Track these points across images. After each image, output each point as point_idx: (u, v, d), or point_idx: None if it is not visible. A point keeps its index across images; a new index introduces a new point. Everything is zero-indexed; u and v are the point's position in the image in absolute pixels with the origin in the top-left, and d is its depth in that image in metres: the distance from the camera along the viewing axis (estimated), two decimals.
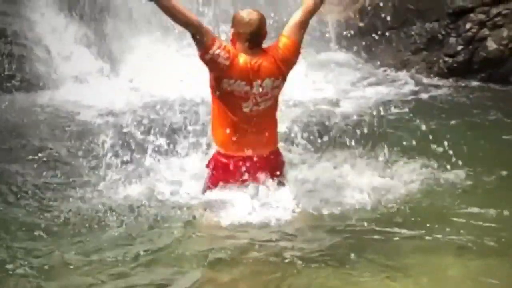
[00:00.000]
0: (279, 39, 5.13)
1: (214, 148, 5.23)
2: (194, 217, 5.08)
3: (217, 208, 5.08)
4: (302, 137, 5.96)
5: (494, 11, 8.86)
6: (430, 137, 6.21)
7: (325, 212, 5.10)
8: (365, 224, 4.95)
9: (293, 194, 5.17)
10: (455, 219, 5.08)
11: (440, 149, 5.98)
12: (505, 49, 8.85)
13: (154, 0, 4.87)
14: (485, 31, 8.90)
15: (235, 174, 5.13)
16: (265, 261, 4.55)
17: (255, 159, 5.12)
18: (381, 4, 9.53)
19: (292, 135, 6.04)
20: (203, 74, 5.15)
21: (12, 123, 7.39)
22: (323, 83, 8.69)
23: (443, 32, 9.11)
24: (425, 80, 9.03)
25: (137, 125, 6.34)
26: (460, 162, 5.83)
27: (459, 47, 9.00)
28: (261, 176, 5.13)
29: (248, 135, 5.11)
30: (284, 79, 5.14)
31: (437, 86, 8.82)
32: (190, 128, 6.18)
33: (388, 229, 4.90)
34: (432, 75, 9.13)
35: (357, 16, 9.83)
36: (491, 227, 4.96)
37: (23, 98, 8.16)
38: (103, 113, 7.58)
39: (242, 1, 8.90)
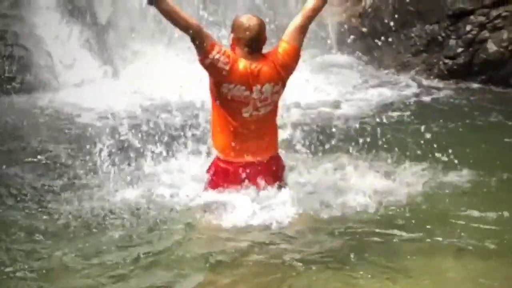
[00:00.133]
0: (278, 44, 5.13)
1: (214, 154, 5.23)
2: (194, 220, 5.07)
3: (217, 211, 5.08)
4: (303, 140, 5.96)
5: (494, 13, 8.87)
6: (431, 139, 6.21)
7: (326, 214, 5.10)
8: (366, 226, 4.95)
9: (294, 197, 5.16)
10: (456, 221, 5.07)
11: (442, 152, 5.98)
12: (505, 51, 8.85)
13: (154, 3, 4.86)
14: (485, 33, 8.91)
15: (235, 180, 5.13)
16: (265, 263, 4.55)
17: (255, 165, 5.13)
18: (382, 7, 9.54)
19: (293, 137, 6.03)
20: (203, 78, 5.15)
21: (12, 125, 7.39)
22: (324, 86, 8.70)
23: (443, 34, 9.11)
24: (425, 82, 9.03)
25: (137, 128, 6.33)
26: (461, 165, 5.84)
27: (459, 49, 9.00)
28: (261, 182, 5.13)
29: (248, 141, 5.11)
30: (283, 85, 5.14)
31: (437, 88, 8.82)
32: (189, 134, 6.19)
33: (389, 232, 4.90)
34: (432, 77, 9.13)
35: (358, 19, 9.83)
36: (491, 229, 4.96)
37: (23, 100, 8.16)
38: (103, 116, 7.57)
39: (243, 6, 8.97)
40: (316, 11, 5.15)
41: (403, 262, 4.53)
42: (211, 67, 4.99)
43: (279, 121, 5.37)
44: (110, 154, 5.88)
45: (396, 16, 9.35)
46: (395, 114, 7.71)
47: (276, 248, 4.73)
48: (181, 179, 5.55)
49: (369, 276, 4.35)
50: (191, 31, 4.95)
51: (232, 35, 5.09)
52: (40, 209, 5.28)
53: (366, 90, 8.68)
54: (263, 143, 5.15)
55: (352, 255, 4.55)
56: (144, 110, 7.69)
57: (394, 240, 4.80)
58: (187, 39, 5.01)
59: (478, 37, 8.92)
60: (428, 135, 6.33)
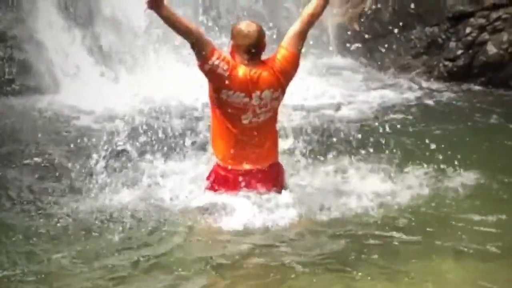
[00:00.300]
0: (278, 50, 5.13)
1: (214, 161, 5.23)
2: (194, 222, 5.07)
3: (217, 213, 5.08)
4: (304, 142, 5.96)
5: (494, 15, 8.86)
6: (433, 142, 6.21)
7: (327, 217, 5.10)
8: (367, 229, 4.95)
9: (294, 199, 5.16)
10: (456, 223, 5.07)
11: (443, 155, 5.98)
12: (505, 53, 8.84)
13: (154, 9, 4.87)
14: (485, 36, 8.90)
15: (234, 188, 5.14)
16: (266, 265, 4.54)
17: (255, 172, 5.13)
18: (382, 9, 9.53)
19: (295, 140, 6.04)
20: (204, 84, 5.15)
21: (11, 127, 7.38)
22: (324, 88, 8.69)
23: (443, 36, 9.11)
24: (425, 84, 9.02)
25: (136, 131, 6.32)
26: (462, 168, 5.84)
27: (459, 51, 9.00)
28: (262, 189, 5.14)
29: (248, 148, 5.11)
30: (283, 91, 5.14)
31: (438, 91, 8.81)
32: (189, 137, 6.20)
33: (389, 234, 4.89)
34: (432, 79, 9.12)
35: (358, 21, 9.83)
36: (492, 232, 4.96)
37: (22, 102, 8.15)
38: (102, 119, 7.57)
39: (244, 12, 8.97)
40: (315, 16, 5.14)
41: (404, 264, 4.52)
42: (211, 73, 5.00)
43: (280, 123, 5.36)
44: (109, 157, 5.87)
45: (396, 18, 9.35)
46: (396, 116, 7.71)
47: (277, 250, 4.72)
48: (181, 182, 5.55)
49: (370, 278, 4.35)
50: (191, 37, 4.95)
51: (231, 42, 5.10)
52: (39, 212, 5.27)
53: (367, 93, 8.67)
54: (263, 150, 5.16)
55: (352, 258, 4.55)
56: (144, 113, 7.66)
57: (395, 243, 4.79)
58: (187, 45, 5.01)
59: (478, 39, 8.92)
60: (429, 138, 6.33)
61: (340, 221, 5.06)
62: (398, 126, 7.17)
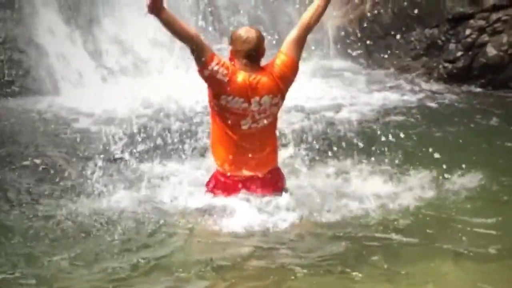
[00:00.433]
0: (277, 55, 5.13)
1: (214, 167, 5.23)
2: (194, 224, 5.06)
3: (217, 215, 5.07)
4: (305, 144, 5.96)
5: (494, 17, 8.86)
6: (433, 144, 6.23)
7: (327, 219, 5.09)
8: (367, 230, 4.94)
9: (295, 201, 5.16)
10: (457, 225, 5.07)
11: (443, 156, 5.99)
12: (504, 55, 8.84)
13: (154, 13, 4.87)
14: (485, 37, 8.90)
15: (234, 194, 5.14)
16: (266, 267, 4.54)
17: (254, 179, 5.14)
18: (381, 10, 9.54)
19: (296, 142, 6.04)
20: (204, 89, 5.16)
21: (11, 129, 7.38)
22: (324, 90, 8.69)
23: (443, 38, 9.11)
24: (425, 86, 9.02)
25: (136, 133, 6.33)
26: (463, 170, 5.85)
27: (459, 53, 9.00)
28: (261, 195, 5.14)
29: (247, 154, 5.11)
30: (282, 97, 5.14)
31: (437, 92, 8.82)
32: (189, 139, 6.19)
33: (390, 236, 4.89)
34: (432, 81, 9.13)
35: (357, 22, 9.83)
36: (492, 233, 4.96)
37: (22, 104, 8.16)
38: (102, 121, 7.56)
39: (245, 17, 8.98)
40: (313, 22, 5.13)
41: (404, 266, 4.52)
42: (210, 79, 5.00)
43: (281, 130, 5.36)
44: (108, 160, 5.87)
45: (396, 20, 9.36)
46: (397, 118, 7.72)
47: (277, 252, 4.72)
48: (180, 184, 5.55)
49: (370, 280, 4.36)
50: (190, 42, 4.96)
51: (230, 47, 5.10)
52: (38, 214, 5.26)
53: (367, 94, 8.67)
54: (263, 156, 5.16)
55: (352, 259, 4.55)
56: (143, 115, 7.69)
57: (395, 245, 4.79)
58: (187, 49, 5.02)
59: (478, 41, 8.92)
60: (430, 140, 6.36)
61: (340, 223, 5.05)
62: (399, 128, 7.18)
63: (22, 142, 6.91)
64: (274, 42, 6.79)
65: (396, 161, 5.99)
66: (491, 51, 8.87)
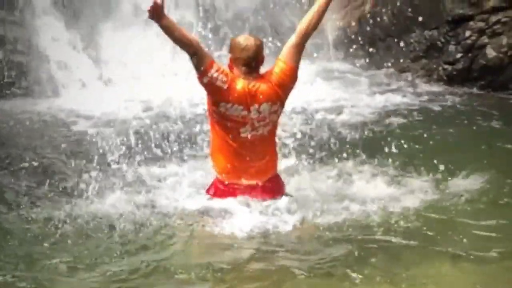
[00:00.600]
0: (276, 63, 5.13)
1: (213, 174, 5.23)
2: (194, 227, 5.05)
3: (218, 218, 5.07)
4: (307, 146, 5.96)
5: (494, 19, 8.86)
6: (434, 146, 6.24)
7: (328, 221, 5.09)
8: (368, 233, 4.94)
9: (296, 204, 5.16)
10: (458, 227, 5.07)
11: (444, 158, 5.99)
12: (504, 56, 8.84)
13: (155, 19, 4.89)
14: (485, 39, 8.90)
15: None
16: (267, 270, 4.53)
17: (254, 187, 5.14)
18: (381, 12, 9.54)
19: (297, 144, 6.04)
20: (203, 94, 5.16)
21: (10, 131, 7.38)
22: (325, 92, 8.69)
23: (443, 40, 9.11)
24: (425, 88, 9.03)
25: (135, 136, 6.33)
26: (464, 172, 5.86)
27: (459, 55, 9.00)
28: (261, 200, 5.14)
29: (247, 162, 5.12)
30: (282, 105, 5.14)
31: (437, 94, 8.82)
32: (188, 141, 6.19)
33: (391, 238, 4.88)
34: (431, 83, 9.13)
35: (357, 24, 9.83)
36: (493, 236, 4.96)
37: (21, 105, 8.16)
38: (101, 123, 7.57)
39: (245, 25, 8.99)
40: (311, 28, 5.13)
41: (405, 268, 4.52)
42: (209, 85, 5.00)
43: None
44: (108, 163, 5.87)
45: (395, 21, 9.36)
46: (398, 120, 7.72)
47: (277, 254, 4.71)
48: (180, 186, 5.55)
49: (371, 282, 4.34)
50: (190, 49, 4.98)
51: (229, 55, 5.11)
52: (37, 217, 5.25)
53: (367, 96, 8.67)
54: (262, 164, 5.16)
55: (353, 261, 4.55)
56: (142, 117, 7.69)
57: (396, 247, 4.78)
58: (187, 55, 5.02)
59: (478, 42, 8.92)
60: (430, 142, 6.36)
61: (341, 225, 5.05)
62: (400, 130, 7.19)
63: (21, 144, 6.90)
64: (273, 49, 6.78)
65: (397, 163, 6.00)
66: (490, 52, 8.87)
